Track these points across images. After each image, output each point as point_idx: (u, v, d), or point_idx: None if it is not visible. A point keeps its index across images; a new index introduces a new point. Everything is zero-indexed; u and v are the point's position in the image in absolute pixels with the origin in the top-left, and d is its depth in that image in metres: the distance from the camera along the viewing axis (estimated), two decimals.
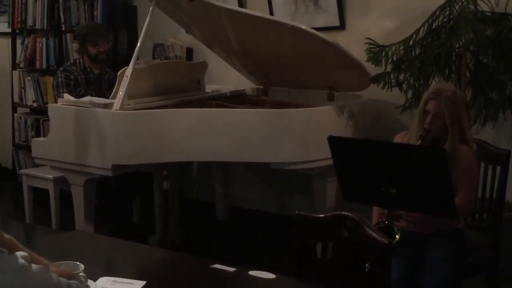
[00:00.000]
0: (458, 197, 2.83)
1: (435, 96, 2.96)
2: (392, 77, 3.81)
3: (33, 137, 5.45)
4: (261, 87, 4.85)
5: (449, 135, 2.95)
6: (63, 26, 5.54)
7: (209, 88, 4.70)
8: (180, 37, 5.28)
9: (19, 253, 1.57)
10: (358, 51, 3.99)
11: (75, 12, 5.46)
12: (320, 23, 4.58)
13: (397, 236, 2.81)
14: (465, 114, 3.06)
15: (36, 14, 5.64)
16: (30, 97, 5.78)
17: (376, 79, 3.88)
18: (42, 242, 2.89)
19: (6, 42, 6.11)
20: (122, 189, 4.64)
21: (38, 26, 5.66)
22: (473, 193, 3.00)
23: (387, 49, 3.79)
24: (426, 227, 3.00)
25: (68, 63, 4.84)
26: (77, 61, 4.73)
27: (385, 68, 3.84)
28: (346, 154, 2.90)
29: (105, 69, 4.80)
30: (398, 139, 3.16)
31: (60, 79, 4.61)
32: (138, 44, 3.98)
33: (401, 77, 3.78)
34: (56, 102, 4.25)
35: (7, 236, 1.67)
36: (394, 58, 3.77)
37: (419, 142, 2.93)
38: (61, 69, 4.73)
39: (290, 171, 4.05)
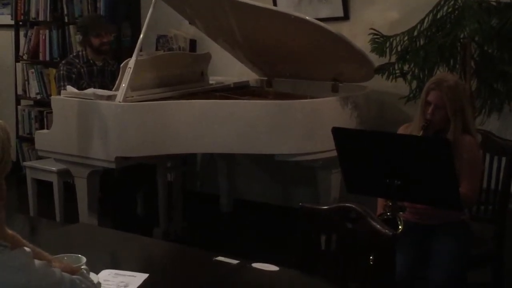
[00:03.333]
0: (462, 186, 2.82)
1: (437, 87, 2.95)
2: (396, 67, 3.80)
3: (36, 129, 5.44)
4: (265, 78, 4.84)
5: (451, 125, 2.94)
6: (66, 18, 5.52)
7: (213, 79, 4.69)
8: (184, 29, 5.26)
9: (22, 249, 1.56)
10: (362, 42, 3.97)
11: (78, 4, 5.43)
12: (324, 14, 4.56)
13: (400, 227, 2.79)
14: (468, 104, 3.04)
15: (39, 6, 5.62)
16: (34, 89, 5.77)
17: (380, 70, 3.86)
18: (46, 235, 2.89)
19: (9, 34, 6.09)
20: (125, 182, 4.63)
21: (41, 18, 5.65)
22: (477, 184, 2.98)
23: (391, 39, 3.78)
24: (431, 219, 2.99)
25: (71, 55, 4.82)
26: (80, 53, 4.71)
27: (389, 59, 3.82)
28: (350, 145, 2.89)
29: (108, 61, 4.78)
30: (401, 130, 3.14)
31: (61, 72, 4.59)
32: (141, 35, 3.96)
33: (406, 67, 3.77)
34: (59, 94, 4.24)
35: (10, 231, 1.66)
36: (399, 49, 3.76)
37: (421, 133, 2.91)
38: (63, 62, 4.71)
39: (294, 163, 4.04)
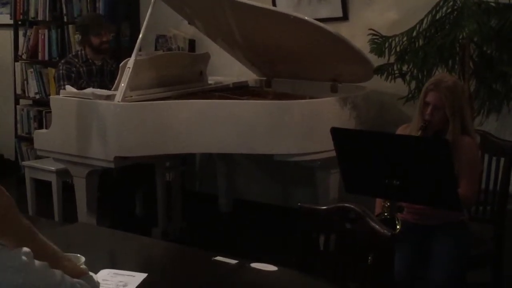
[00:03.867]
0: (461, 187, 2.82)
1: (435, 87, 2.95)
2: (395, 68, 3.80)
3: (35, 129, 5.44)
4: (264, 78, 4.84)
5: (450, 126, 2.94)
6: (65, 17, 5.52)
7: (212, 79, 4.69)
8: (183, 29, 5.26)
9: (21, 249, 1.54)
10: (361, 42, 3.97)
11: (77, 4, 5.43)
12: (323, 14, 4.56)
13: (397, 227, 2.80)
14: (466, 105, 3.04)
15: (38, 6, 5.62)
16: (33, 89, 5.77)
17: (379, 70, 3.86)
18: (44, 235, 2.88)
19: (8, 33, 6.08)
20: (124, 181, 4.63)
21: (40, 17, 5.64)
22: (476, 184, 2.98)
23: (390, 40, 3.77)
24: (430, 219, 2.99)
25: (70, 55, 4.82)
26: (79, 52, 4.71)
27: (388, 59, 3.82)
28: (348, 145, 2.88)
29: (107, 60, 4.78)
30: (400, 131, 3.14)
31: (61, 71, 4.58)
32: (140, 35, 3.97)
33: (405, 68, 3.77)
34: (58, 94, 4.24)
35: (25, 221, 1.63)
36: (398, 49, 3.76)
37: (419, 133, 2.91)
38: (62, 61, 4.71)
39: (293, 163, 4.04)
